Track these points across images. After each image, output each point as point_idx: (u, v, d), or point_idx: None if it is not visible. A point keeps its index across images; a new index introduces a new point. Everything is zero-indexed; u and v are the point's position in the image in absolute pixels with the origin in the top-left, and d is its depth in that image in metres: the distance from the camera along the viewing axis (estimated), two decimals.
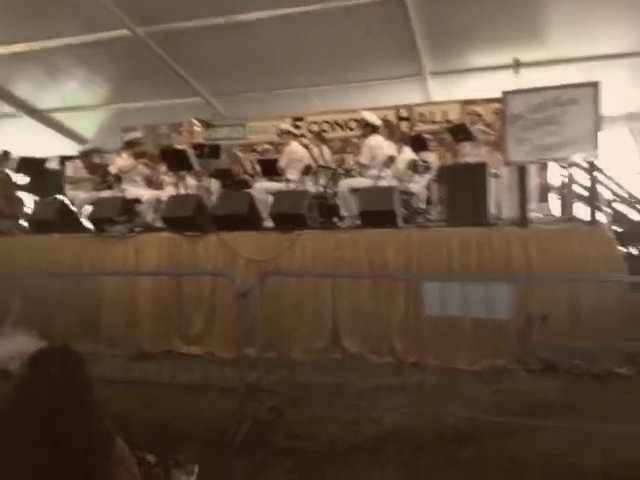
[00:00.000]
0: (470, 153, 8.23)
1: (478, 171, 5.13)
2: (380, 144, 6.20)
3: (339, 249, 5.16)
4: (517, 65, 5.40)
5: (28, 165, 7.28)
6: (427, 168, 8.07)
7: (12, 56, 11.30)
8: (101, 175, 7.70)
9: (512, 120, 4.95)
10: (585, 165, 5.61)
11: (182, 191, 7.06)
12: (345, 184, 6.16)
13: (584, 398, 3.93)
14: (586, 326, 4.52)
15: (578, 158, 5.24)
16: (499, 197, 7.87)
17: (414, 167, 6.88)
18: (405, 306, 5.04)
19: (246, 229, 5.51)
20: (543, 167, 9.71)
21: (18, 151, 8.78)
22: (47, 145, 13.61)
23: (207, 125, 9.12)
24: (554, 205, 9.76)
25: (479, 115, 8.48)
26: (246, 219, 5.50)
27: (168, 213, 5.77)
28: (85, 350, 5.62)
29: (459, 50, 10.81)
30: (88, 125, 14.07)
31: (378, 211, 5.24)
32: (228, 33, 10.10)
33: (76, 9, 9.87)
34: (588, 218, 5.26)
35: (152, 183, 8.00)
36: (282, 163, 6.67)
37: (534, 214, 6.99)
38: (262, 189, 6.45)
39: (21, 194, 8.01)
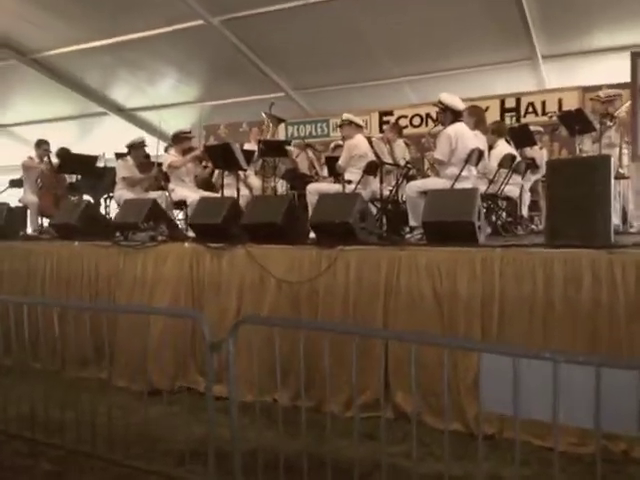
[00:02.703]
0: (591, 150, 6.58)
1: (599, 168, 3.54)
2: (462, 134, 4.80)
3: (391, 271, 3.87)
4: None
5: (76, 162, 6.66)
6: (533, 166, 6.51)
7: (93, 52, 11.12)
8: (155, 174, 6.99)
9: None
10: None
11: (242, 193, 6.17)
12: (413, 186, 4.82)
13: None
14: None
15: None
16: (625, 205, 6.15)
17: (511, 165, 5.38)
18: None
19: (283, 242, 4.38)
20: None
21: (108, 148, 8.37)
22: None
23: (278, 121, 8.10)
24: None
25: (604, 102, 6.75)
26: (282, 229, 4.37)
27: (196, 219, 4.80)
28: (97, 378, 4.87)
29: (578, 29, 8.98)
30: (175, 123, 13.75)
31: (449, 222, 3.88)
32: (307, 17, 9.06)
33: (154, 3, 9.36)
34: None
35: (210, 184, 7.17)
36: (342, 160, 5.48)
37: None
38: (315, 191, 5.31)
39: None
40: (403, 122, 10.11)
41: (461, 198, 4.07)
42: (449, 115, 4.83)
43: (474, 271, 3.65)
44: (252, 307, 4.35)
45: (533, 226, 6.96)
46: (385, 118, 10.33)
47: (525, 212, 6.85)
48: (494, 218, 5.49)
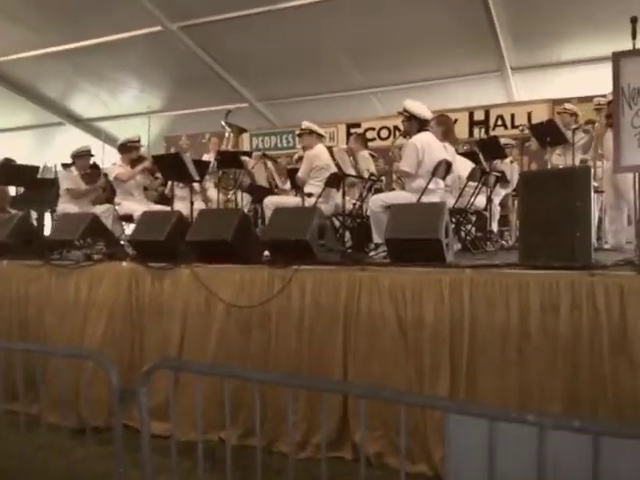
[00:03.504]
0: (562, 164, 6.35)
1: (578, 180, 3.19)
2: (430, 144, 4.46)
3: (351, 293, 3.48)
4: (634, 23, 3.50)
5: (13, 173, 6.13)
6: (502, 180, 6.25)
7: (48, 59, 10.58)
8: (102, 185, 6.50)
9: (629, 99, 3.08)
10: None
11: (198, 207, 5.73)
12: (377, 200, 4.45)
13: None
14: None
15: None
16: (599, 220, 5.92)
17: (480, 178, 5.07)
18: (452, 384, 3.27)
19: (234, 261, 3.95)
20: None
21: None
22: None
23: (239, 130, 7.68)
24: None
25: (573, 114, 6.56)
26: (233, 247, 3.93)
27: (137, 235, 4.34)
28: (28, 413, 4.36)
29: (548, 41, 8.83)
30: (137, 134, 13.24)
31: (414, 239, 3.51)
32: (269, 25, 8.71)
33: (109, 8, 8.89)
34: None
35: (166, 197, 6.69)
36: (301, 172, 5.10)
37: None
38: (273, 205, 4.90)
39: None
40: (371, 134, 9.84)
41: (427, 213, 3.70)
42: (415, 124, 4.50)
43: (441, 294, 3.27)
44: (197, 334, 3.90)
45: (503, 242, 6.70)
46: (352, 130, 10.03)
47: (495, 227, 6.59)
48: (463, 234, 5.18)
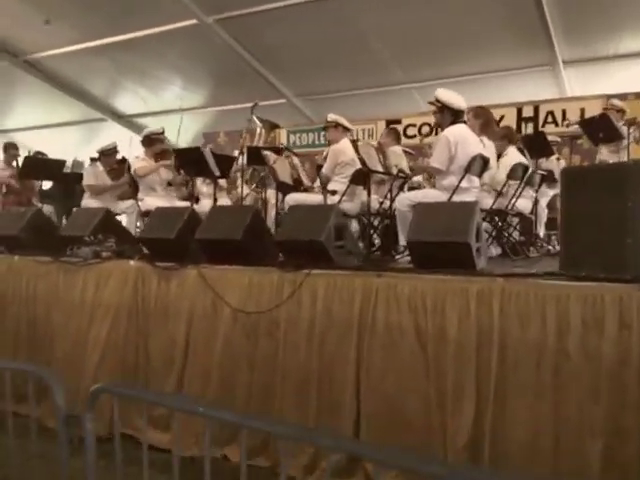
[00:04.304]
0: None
1: (630, 178, 2.75)
2: (465, 138, 4.04)
3: (367, 302, 3.13)
4: None
5: (39, 168, 6.04)
6: (550, 179, 5.75)
7: (90, 55, 10.61)
8: (127, 180, 6.35)
9: None
10: None
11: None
12: (405, 198, 4.07)
13: None
14: None
15: None
16: None
17: (522, 176, 4.61)
18: (477, 408, 2.88)
19: (244, 262, 3.66)
20: None
21: None
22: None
23: (271, 125, 7.42)
24: None
25: (620, 111, 6.04)
26: (243, 247, 3.64)
27: (147, 233, 4.11)
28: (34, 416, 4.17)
29: (603, 33, 8.18)
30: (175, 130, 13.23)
31: (439, 243, 3.13)
32: (306, 18, 8.41)
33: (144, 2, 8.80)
34: None
35: (189, 194, 6.48)
36: (326, 168, 4.76)
37: None
38: (295, 202, 4.59)
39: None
40: (411, 131, 9.40)
41: (456, 213, 3.31)
42: (447, 115, 4.07)
43: (467, 305, 2.88)
44: (203, 338, 3.64)
45: (549, 247, 6.17)
46: (392, 127, 9.62)
47: (542, 231, 6.08)
48: (505, 238, 4.73)
